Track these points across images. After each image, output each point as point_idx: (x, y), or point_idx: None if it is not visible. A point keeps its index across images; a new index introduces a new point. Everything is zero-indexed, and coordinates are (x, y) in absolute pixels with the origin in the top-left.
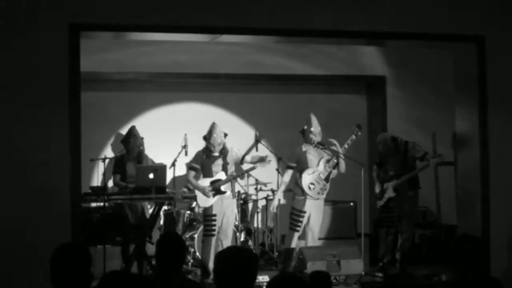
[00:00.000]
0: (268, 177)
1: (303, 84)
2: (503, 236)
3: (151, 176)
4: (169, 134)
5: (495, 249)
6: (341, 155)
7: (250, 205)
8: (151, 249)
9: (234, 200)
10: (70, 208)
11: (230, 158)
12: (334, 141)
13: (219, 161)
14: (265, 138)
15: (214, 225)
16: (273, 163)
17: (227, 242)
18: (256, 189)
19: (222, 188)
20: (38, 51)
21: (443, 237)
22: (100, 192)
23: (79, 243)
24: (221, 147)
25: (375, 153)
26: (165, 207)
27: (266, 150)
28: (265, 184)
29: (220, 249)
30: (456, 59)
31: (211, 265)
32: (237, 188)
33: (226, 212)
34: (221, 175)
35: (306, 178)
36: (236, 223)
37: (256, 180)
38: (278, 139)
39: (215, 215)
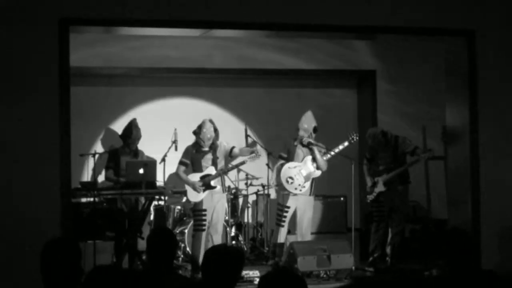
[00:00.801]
0: (258, 171)
1: (293, 78)
2: (493, 230)
3: (141, 171)
4: (159, 129)
5: (485, 243)
6: (330, 153)
7: (241, 200)
8: (141, 244)
9: (224, 195)
10: (60, 203)
11: (220, 153)
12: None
13: (209, 156)
14: (255, 132)
15: (204, 220)
16: (263, 158)
17: (217, 237)
18: (246, 184)
19: (212, 183)
20: (27, 46)
21: (434, 231)
22: (90, 187)
23: (69, 238)
24: (210, 142)
25: (365, 147)
26: (155, 202)
27: (256, 145)
28: (256, 178)
29: (210, 244)
30: (446, 53)
31: (201, 260)
32: (228, 183)
33: (216, 207)
34: (211, 170)
35: (286, 171)
36: (227, 218)
37: (247, 174)
38: (269, 134)
39: (205, 210)
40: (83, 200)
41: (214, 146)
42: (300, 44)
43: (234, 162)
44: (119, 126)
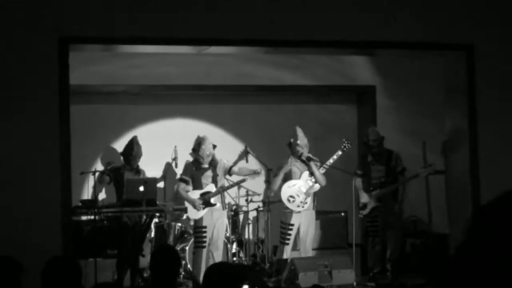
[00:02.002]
0: (258, 188)
1: (293, 94)
2: None
3: (141, 188)
4: (159, 147)
5: None
6: (326, 166)
7: (241, 217)
8: (142, 261)
9: (225, 212)
10: (61, 221)
11: (220, 170)
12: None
13: (209, 173)
14: (255, 149)
15: (205, 237)
16: (262, 175)
17: (218, 254)
18: (247, 200)
19: (212, 200)
20: (27, 64)
21: (435, 246)
22: (90, 205)
23: (70, 257)
24: (210, 158)
25: (355, 162)
26: (155, 220)
27: (256, 162)
28: (257, 194)
29: (211, 261)
30: (446, 67)
31: (202, 277)
32: (228, 199)
33: (216, 224)
34: (211, 187)
35: (286, 191)
36: (227, 234)
37: (247, 191)
38: (268, 151)
39: (205, 227)
40: (84, 218)
41: (214, 163)
42: (299, 60)
43: (235, 180)
44: (119, 144)
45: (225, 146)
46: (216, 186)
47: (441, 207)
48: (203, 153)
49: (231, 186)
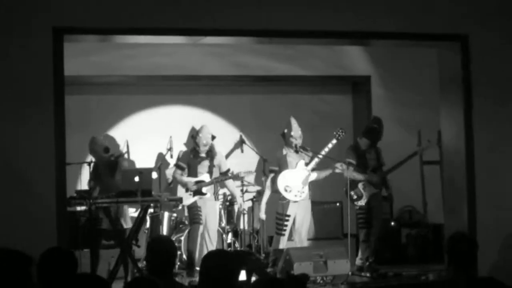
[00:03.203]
0: (254, 178)
1: (288, 85)
2: (490, 234)
3: (136, 179)
4: (154, 137)
5: (481, 248)
6: (319, 156)
7: (236, 207)
8: (137, 252)
9: (217, 203)
10: (56, 212)
11: (216, 162)
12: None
13: (206, 163)
14: (251, 139)
15: (200, 215)
16: (259, 164)
17: (212, 244)
18: (242, 190)
19: (204, 189)
20: (22, 55)
21: (430, 236)
22: (85, 196)
23: (65, 248)
24: (207, 148)
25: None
26: (151, 210)
27: (251, 151)
28: (252, 185)
29: (205, 251)
30: (440, 58)
31: (197, 254)
32: (223, 190)
33: (208, 213)
34: (206, 177)
35: (283, 181)
36: (223, 224)
37: (242, 181)
38: (264, 141)
39: (200, 207)
40: (78, 208)
41: (211, 153)
42: (294, 50)
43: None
44: (115, 134)
45: (220, 136)
46: (210, 177)
47: (436, 197)
48: (200, 141)
49: (226, 179)
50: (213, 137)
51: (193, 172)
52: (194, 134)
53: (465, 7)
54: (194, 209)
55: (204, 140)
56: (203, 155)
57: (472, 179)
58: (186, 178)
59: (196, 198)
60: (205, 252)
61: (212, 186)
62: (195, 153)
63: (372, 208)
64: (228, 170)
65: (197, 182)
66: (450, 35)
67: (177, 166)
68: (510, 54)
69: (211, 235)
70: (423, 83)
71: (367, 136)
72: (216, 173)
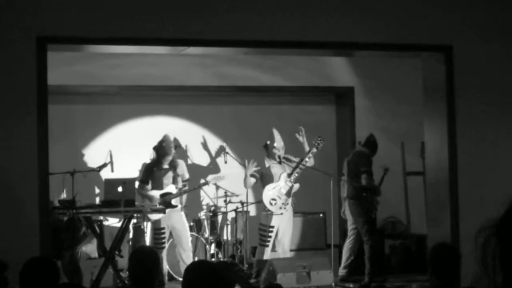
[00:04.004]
0: (237, 189)
1: (271, 95)
2: (473, 245)
3: (119, 189)
4: (138, 147)
5: (464, 259)
6: (302, 166)
7: (220, 217)
8: (120, 262)
9: (182, 213)
10: (39, 221)
11: (180, 171)
12: (293, 158)
13: (170, 174)
14: (234, 149)
15: (164, 238)
16: (241, 175)
17: (187, 255)
18: (225, 201)
19: (173, 201)
20: (4, 64)
21: (413, 247)
22: (68, 205)
23: (48, 258)
24: (170, 158)
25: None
26: (133, 220)
27: (234, 162)
28: (236, 195)
29: (181, 263)
30: (424, 69)
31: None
32: (206, 200)
33: (175, 225)
34: (171, 188)
35: (268, 194)
36: (206, 235)
37: (225, 192)
38: (247, 151)
39: (163, 228)
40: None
41: (174, 163)
42: (278, 61)
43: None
44: (98, 144)
45: (204, 146)
46: (176, 187)
47: (419, 208)
48: (163, 152)
49: (193, 189)
50: (175, 147)
51: (158, 184)
52: (156, 146)
53: (449, 18)
54: (157, 231)
55: (168, 150)
56: (166, 166)
57: (455, 190)
58: (151, 192)
59: (168, 211)
60: (181, 265)
61: (179, 197)
62: (158, 165)
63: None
64: (188, 179)
65: (162, 195)
66: (434, 46)
67: (141, 181)
68: (494, 64)
69: (184, 246)
70: (407, 94)
71: (370, 147)
72: (180, 183)
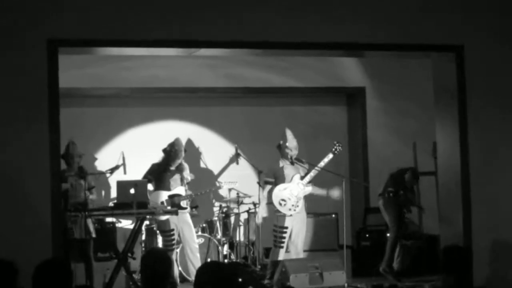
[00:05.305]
0: (250, 190)
1: (283, 96)
2: (485, 244)
3: (131, 191)
4: (150, 149)
5: (477, 259)
6: (317, 168)
7: (232, 219)
8: (133, 264)
9: (187, 214)
10: (51, 224)
11: (186, 173)
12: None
13: (177, 176)
14: (246, 151)
15: (173, 239)
16: (254, 176)
17: (194, 257)
18: (237, 202)
19: (182, 203)
20: (16, 67)
21: (425, 247)
22: (80, 208)
23: (60, 260)
24: (179, 161)
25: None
26: (146, 222)
27: (246, 164)
28: (248, 196)
29: (190, 264)
30: (435, 69)
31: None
32: (219, 201)
33: (183, 227)
34: (180, 190)
35: (278, 195)
36: (218, 236)
37: (238, 193)
38: (259, 153)
39: (172, 230)
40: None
41: (181, 167)
42: (289, 62)
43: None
44: (110, 147)
45: (215, 148)
46: (185, 189)
47: (431, 208)
48: (175, 155)
49: (201, 193)
50: (185, 150)
51: (165, 185)
52: (167, 148)
53: (460, 17)
54: (166, 233)
55: (179, 153)
56: (173, 168)
57: (467, 190)
58: (157, 195)
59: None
60: (190, 265)
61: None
62: (166, 167)
63: None
64: (188, 182)
65: (171, 197)
66: (445, 46)
67: (144, 177)
68: (505, 64)
69: (191, 248)
70: (418, 94)
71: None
72: (185, 185)
